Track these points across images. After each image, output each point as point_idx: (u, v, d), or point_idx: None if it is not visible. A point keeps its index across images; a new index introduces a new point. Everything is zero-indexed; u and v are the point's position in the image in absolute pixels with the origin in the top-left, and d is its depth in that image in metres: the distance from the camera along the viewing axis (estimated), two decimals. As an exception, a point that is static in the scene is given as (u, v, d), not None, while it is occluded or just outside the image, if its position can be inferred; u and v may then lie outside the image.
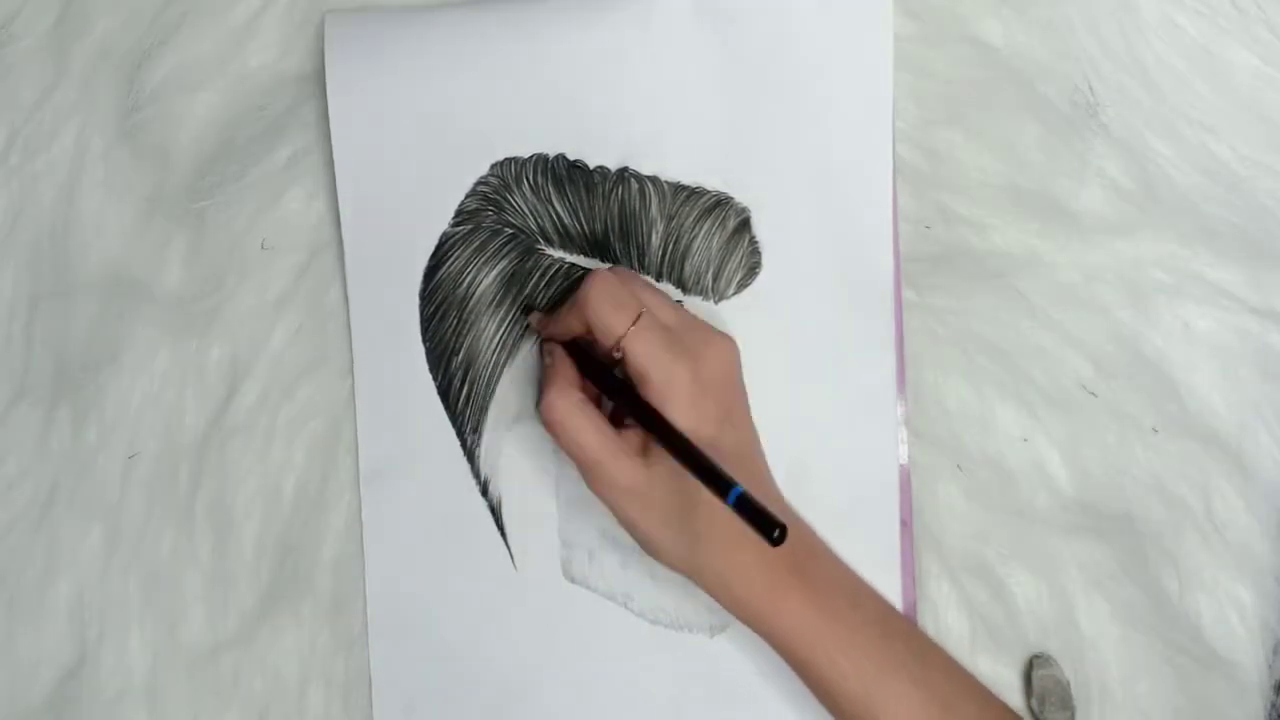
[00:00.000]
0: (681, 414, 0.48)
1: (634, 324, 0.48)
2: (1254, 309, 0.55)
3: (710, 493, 0.45)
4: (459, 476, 0.56)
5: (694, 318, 0.52)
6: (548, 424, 0.49)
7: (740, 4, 0.54)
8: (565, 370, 0.51)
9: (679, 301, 0.55)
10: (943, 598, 0.55)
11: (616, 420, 0.51)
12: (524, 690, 0.56)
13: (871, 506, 0.55)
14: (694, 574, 0.50)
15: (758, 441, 0.52)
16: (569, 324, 0.51)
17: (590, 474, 0.49)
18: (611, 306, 0.49)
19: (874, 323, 0.54)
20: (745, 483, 0.45)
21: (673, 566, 0.50)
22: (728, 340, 0.51)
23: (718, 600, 0.50)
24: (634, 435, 0.50)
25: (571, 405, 0.48)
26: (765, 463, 0.53)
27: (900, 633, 0.51)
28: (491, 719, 0.57)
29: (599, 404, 0.51)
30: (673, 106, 0.55)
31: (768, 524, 0.43)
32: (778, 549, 0.48)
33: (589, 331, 0.50)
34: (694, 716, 0.56)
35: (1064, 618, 0.55)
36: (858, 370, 0.55)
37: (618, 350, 0.48)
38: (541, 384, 0.50)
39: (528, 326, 0.56)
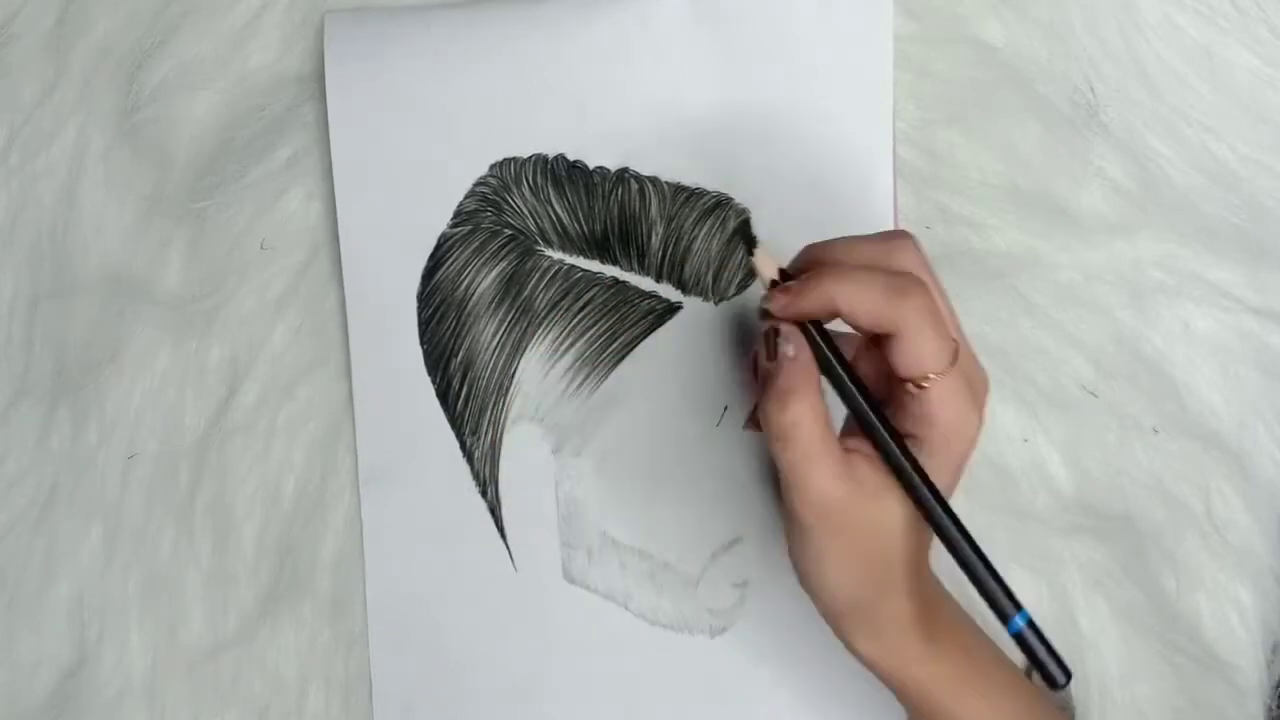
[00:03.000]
0: (949, 477, 0.40)
1: (952, 362, 0.39)
2: (1254, 309, 0.55)
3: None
4: (458, 477, 0.56)
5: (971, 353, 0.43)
6: (781, 426, 0.40)
7: (740, 4, 0.54)
8: (811, 370, 0.41)
9: (678, 303, 0.55)
10: (942, 598, 0.55)
11: None
12: (524, 691, 0.56)
13: (871, 507, 0.54)
14: (840, 620, 0.43)
15: None
16: (856, 306, 0.40)
17: (797, 490, 0.40)
18: (933, 332, 0.39)
19: (874, 323, 0.54)
20: None
21: (825, 606, 0.43)
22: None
23: (846, 644, 0.43)
24: (862, 461, 0.41)
25: (815, 415, 0.39)
26: None
27: (1027, 692, 0.45)
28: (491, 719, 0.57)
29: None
30: (673, 107, 0.55)
31: (1054, 668, 0.38)
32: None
33: (872, 333, 0.41)
34: (694, 718, 0.56)
35: (1064, 618, 0.55)
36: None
37: (919, 385, 0.40)
38: (768, 377, 0.41)
39: (527, 328, 0.56)
